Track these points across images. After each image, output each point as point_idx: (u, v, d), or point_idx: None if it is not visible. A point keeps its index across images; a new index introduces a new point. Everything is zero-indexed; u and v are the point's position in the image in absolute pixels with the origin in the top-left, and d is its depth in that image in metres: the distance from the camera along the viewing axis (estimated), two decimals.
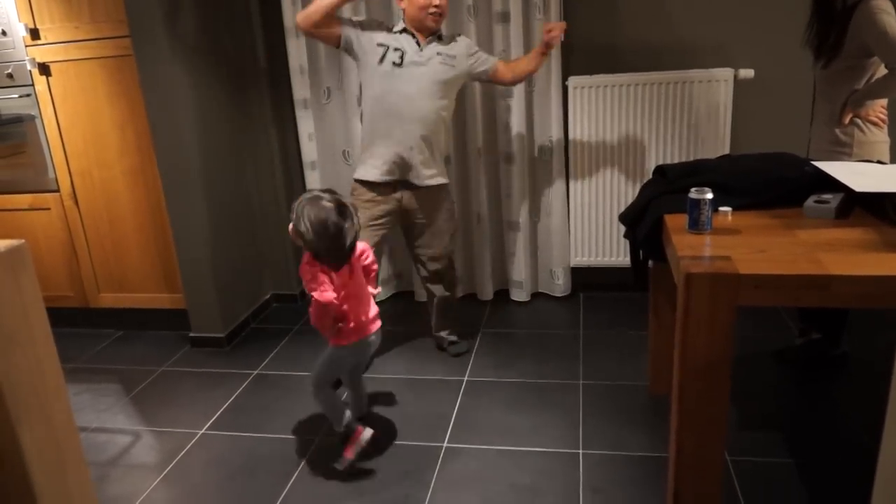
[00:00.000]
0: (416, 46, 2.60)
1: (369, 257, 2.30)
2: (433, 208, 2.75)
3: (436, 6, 2.55)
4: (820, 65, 2.34)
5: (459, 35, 2.77)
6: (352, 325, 2.21)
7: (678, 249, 1.74)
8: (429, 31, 2.62)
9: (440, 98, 2.62)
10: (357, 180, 2.72)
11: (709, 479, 1.73)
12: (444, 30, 2.71)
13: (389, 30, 2.65)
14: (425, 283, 2.91)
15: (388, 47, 2.59)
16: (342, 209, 2.07)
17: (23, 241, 1.20)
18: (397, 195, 2.70)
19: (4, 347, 1.11)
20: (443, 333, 2.98)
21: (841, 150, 2.32)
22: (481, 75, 2.75)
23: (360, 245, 2.24)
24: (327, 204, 2.06)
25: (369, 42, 2.60)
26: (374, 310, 2.30)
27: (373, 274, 2.34)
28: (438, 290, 2.89)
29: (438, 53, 2.61)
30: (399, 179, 2.67)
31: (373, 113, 2.65)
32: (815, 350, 2.61)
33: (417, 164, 2.64)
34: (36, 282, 1.22)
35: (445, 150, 2.84)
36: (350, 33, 2.61)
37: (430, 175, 2.69)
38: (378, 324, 2.31)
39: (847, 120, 2.29)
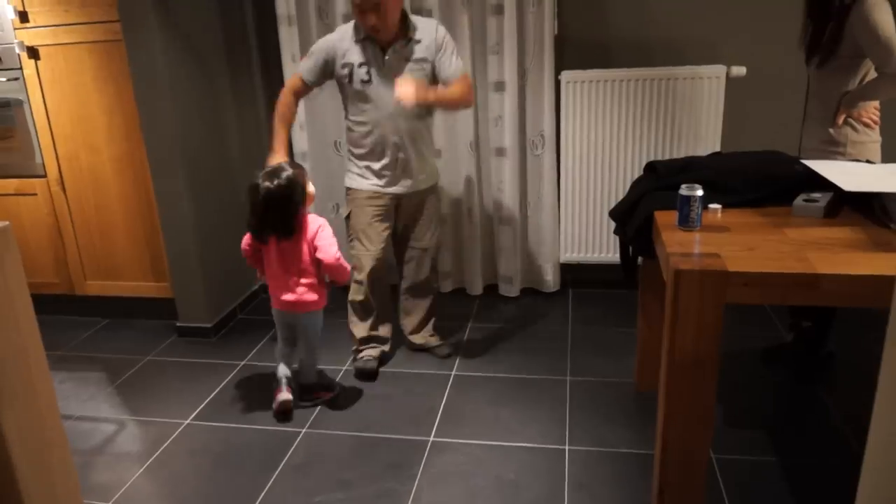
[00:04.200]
0: (381, 54, 2.45)
1: (315, 234, 2.36)
2: (423, 204, 2.71)
3: (371, 26, 2.37)
4: (814, 64, 2.34)
5: (431, 24, 2.53)
6: (273, 293, 2.46)
7: (667, 246, 1.74)
8: (385, 38, 2.44)
9: (419, 108, 2.48)
10: (349, 188, 2.68)
11: (693, 476, 1.73)
12: (412, 28, 2.47)
13: (351, 42, 2.48)
14: (409, 279, 2.83)
15: (352, 64, 2.47)
16: (274, 172, 2.29)
17: (7, 222, 1.18)
18: (391, 199, 2.64)
19: None
20: (424, 334, 2.91)
21: (835, 150, 2.33)
22: (439, 74, 2.53)
23: (313, 223, 2.37)
24: (268, 171, 2.31)
25: (336, 66, 2.51)
26: (297, 292, 2.40)
27: (316, 252, 2.36)
28: (423, 283, 2.82)
29: (406, 59, 2.47)
30: (390, 193, 2.62)
31: (356, 131, 2.58)
32: (806, 341, 2.61)
33: (405, 175, 2.60)
34: (20, 264, 1.20)
35: (432, 146, 2.75)
36: (323, 78, 2.57)
37: (420, 180, 2.64)
38: (302, 306, 2.42)
39: (841, 120, 2.30)
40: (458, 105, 2.57)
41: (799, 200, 1.94)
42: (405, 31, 2.45)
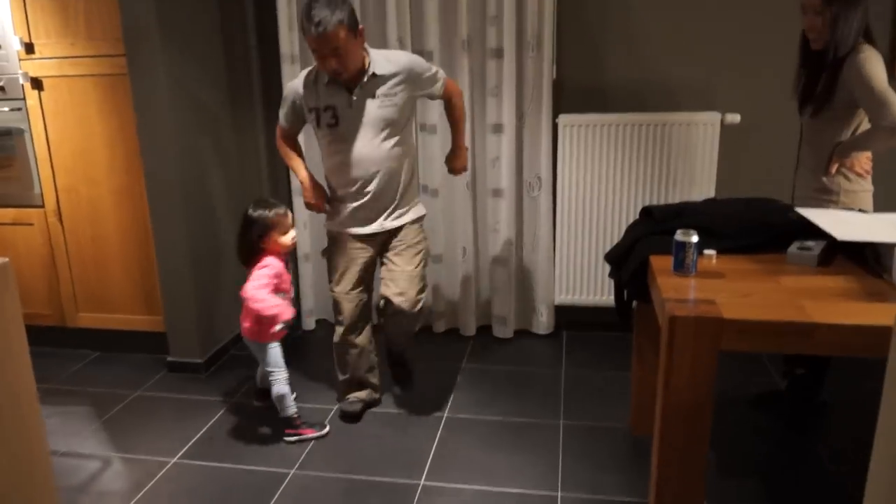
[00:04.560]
0: (347, 95, 2.38)
1: (253, 271, 2.46)
2: (404, 236, 2.59)
3: (332, 70, 2.30)
4: (807, 113, 2.37)
5: (395, 55, 2.48)
6: None
7: (663, 291, 1.74)
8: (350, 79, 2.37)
9: (390, 144, 2.44)
10: (328, 228, 2.65)
11: None
12: (376, 63, 2.38)
13: (316, 82, 2.43)
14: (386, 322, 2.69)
15: (318, 109, 2.43)
16: (258, 203, 2.49)
17: (6, 259, 1.17)
18: (370, 239, 2.58)
19: None
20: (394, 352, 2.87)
21: (827, 198, 2.35)
22: (429, 96, 2.58)
23: (263, 262, 2.47)
24: (258, 199, 2.55)
25: (305, 111, 2.49)
26: (243, 317, 2.55)
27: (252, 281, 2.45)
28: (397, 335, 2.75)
29: (374, 97, 2.39)
30: (366, 234, 2.56)
31: (328, 173, 2.56)
32: (802, 387, 2.59)
33: (380, 215, 2.53)
34: (18, 301, 1.19)
35: (413, 182, 2.63)
36: (300, 122, 2.57)
37: (398, 219, 2.56)
38: (242, 330, 2.55)
39: (833, 170, 2.32)
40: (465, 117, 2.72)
41: (793, 248, 1.95)
42: (368, 68, 2.37)
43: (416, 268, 2.58)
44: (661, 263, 1.94)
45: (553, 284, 3.36)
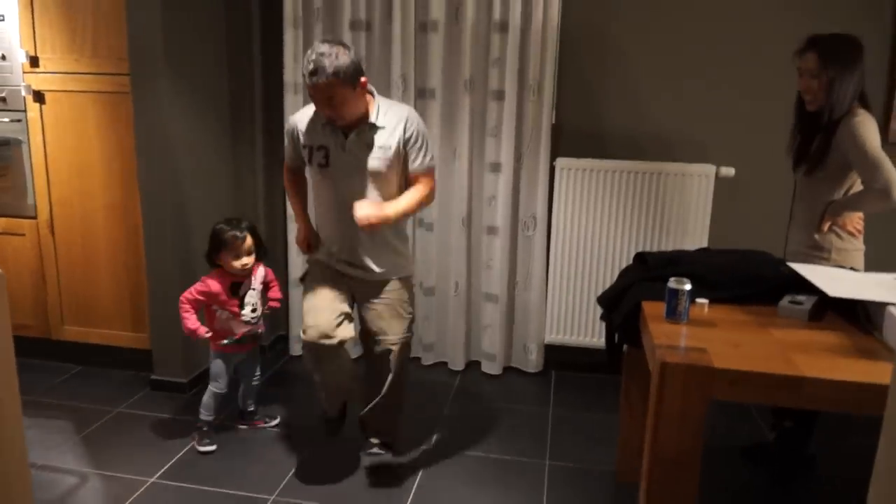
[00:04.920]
0: (342, 139, 2.30)
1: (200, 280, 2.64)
2: (383, 294, 2.44)
3: (328, 116, 2.25)
4: (801, 171, 2.42)
5: (402, 110, 2.38)
6: None
7: (654, 337, 1.76)
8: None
9: (375, 196, 2.33)
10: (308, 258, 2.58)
11: None
12: (379, 113, 2.32)
13: (315, 120, 2.36)
14: (372, 367, 2.54)
15: (311, 147, 2.35)
16: (228, 220, 2.65)
17: (1, 272, 1.17)
18: (349, 279, 2.45)
19: None
20: (369, 436, 2.57)
21: (819, 255, 2.38)
22: (408, 167, 2.41)
23: (204, 277, 2.65)
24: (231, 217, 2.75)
25: (300, 146, 2.42)
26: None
27: None
28: (385, 381, 2.48)
29: (367, 146, 2.30)
30: (347, 274, 2.44)
31: (315, 207, 2.51)
32: (789, 441, 2.59)
33: (359, 264, 2.41)
34: (7, 315, 1.19)
35: (399, 239, 2.47)
36: (300, 157, 2.44)
37: (378, 272, 2.42)
38: None
39: (826, 228, 2.36)
40: (420, 208, 2.45)
41: (785, 301, 1.97)
42: (371, 117, 2.31)
43: (402, 334, 2.45)
44: (653, 309, 1.96)
45: (544, 323, 3.37)
